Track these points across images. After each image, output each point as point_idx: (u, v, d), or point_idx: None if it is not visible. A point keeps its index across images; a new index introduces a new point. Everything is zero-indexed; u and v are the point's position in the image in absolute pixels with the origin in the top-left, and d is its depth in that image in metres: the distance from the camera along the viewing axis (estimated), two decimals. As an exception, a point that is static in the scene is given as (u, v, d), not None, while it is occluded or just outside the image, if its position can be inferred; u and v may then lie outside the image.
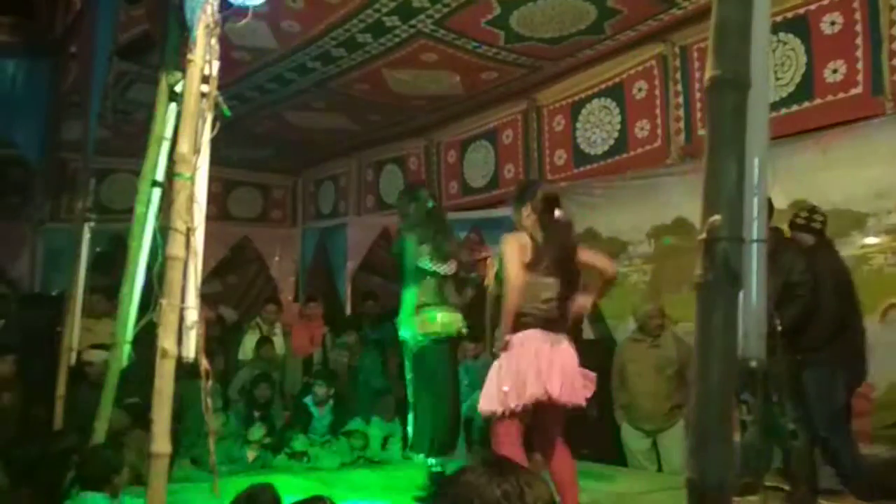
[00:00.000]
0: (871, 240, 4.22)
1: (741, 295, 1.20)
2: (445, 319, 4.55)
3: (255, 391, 6.02)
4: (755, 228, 1.22)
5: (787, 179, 4.42)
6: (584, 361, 3.61)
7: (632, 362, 5.28)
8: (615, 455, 5.37)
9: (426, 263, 4.58)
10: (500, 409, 3.38)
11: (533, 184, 4.00)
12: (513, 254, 3.53)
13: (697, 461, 1.14)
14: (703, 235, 1.18)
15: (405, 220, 4.78)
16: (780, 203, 4.40)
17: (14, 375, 5.06)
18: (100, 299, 5.62)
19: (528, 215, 3.68)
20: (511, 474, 1.18)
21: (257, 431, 5.70)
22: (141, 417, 3.39)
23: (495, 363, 3.53)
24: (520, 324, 3.49)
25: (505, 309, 3.53)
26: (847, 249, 4.27)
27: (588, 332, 6.19)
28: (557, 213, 3.79)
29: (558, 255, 3.62)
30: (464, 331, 4.71)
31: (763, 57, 1.29)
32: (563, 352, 3.50)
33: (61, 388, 4.40)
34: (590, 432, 5.67)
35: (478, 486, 1.16)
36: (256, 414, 5.91)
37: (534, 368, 3.39)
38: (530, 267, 3.54)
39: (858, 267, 4.24)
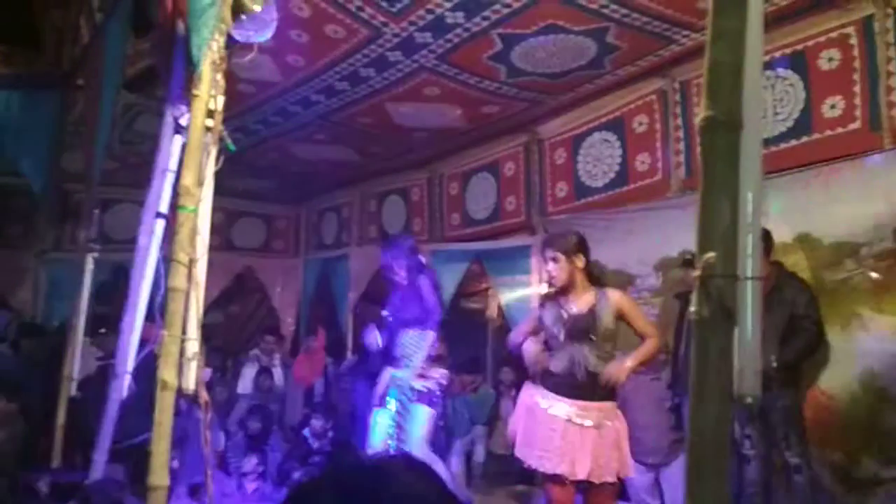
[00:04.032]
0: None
1: (736, 331, 1.21)
2: None
3: (247, 422, 6.03)
4: (749, 266, 1.24)
5: (792, 213, 4.43)
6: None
7: (633, 394, 5.25)
8: (618, 490, 5.30)
9: None
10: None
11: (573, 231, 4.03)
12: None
13: (694, 498, 1.14)
14: (698, 272, 1.20)
15: None
16: (785, 237, 4.41)
17: (13, 410, 5.03)
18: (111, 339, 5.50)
19: (583, 266, 3.75)
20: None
21: (248, 462, 5.67)
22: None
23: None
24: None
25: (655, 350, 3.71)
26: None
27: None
28: None
29: None
30: None
31: (756, 97, 1.31)
32: None
33: (61, 418, 4.39)
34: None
35: None
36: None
37: None
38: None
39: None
